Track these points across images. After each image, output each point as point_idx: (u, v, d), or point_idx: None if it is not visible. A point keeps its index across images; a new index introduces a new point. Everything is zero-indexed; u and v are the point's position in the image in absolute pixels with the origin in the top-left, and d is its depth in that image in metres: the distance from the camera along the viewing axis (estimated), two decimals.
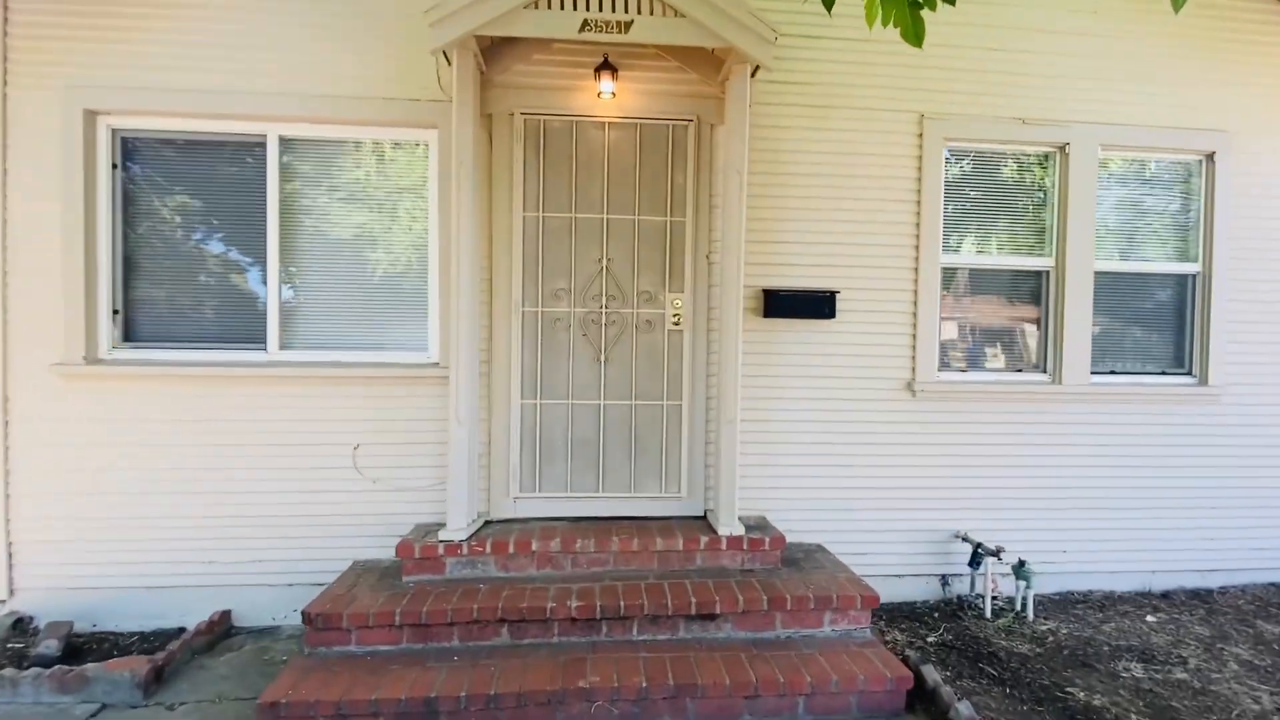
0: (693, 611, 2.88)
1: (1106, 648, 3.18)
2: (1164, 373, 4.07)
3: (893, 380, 3.77)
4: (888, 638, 3.27)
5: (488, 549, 3.12)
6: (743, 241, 3.24)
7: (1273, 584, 4.04)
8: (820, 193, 3.71)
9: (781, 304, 3.59)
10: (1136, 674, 2.92)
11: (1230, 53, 3.96)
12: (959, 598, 3.77)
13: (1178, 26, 3.89)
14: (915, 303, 3.76)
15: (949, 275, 3.87)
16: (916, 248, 3.76)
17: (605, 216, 3.55)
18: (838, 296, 3.68)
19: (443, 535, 3.14)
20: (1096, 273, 3.92)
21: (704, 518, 3.57)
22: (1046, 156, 3.94)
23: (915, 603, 3.73)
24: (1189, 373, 4.06)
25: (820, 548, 3.64)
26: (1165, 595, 3.88)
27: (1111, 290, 3.99)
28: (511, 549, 3.13)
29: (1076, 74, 3.87)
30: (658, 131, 3.57)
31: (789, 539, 3.62)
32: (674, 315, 3.58)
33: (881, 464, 3.77)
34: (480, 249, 3.40)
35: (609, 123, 3.55)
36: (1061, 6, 3.84)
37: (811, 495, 3.72)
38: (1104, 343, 4.00)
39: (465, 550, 3.10)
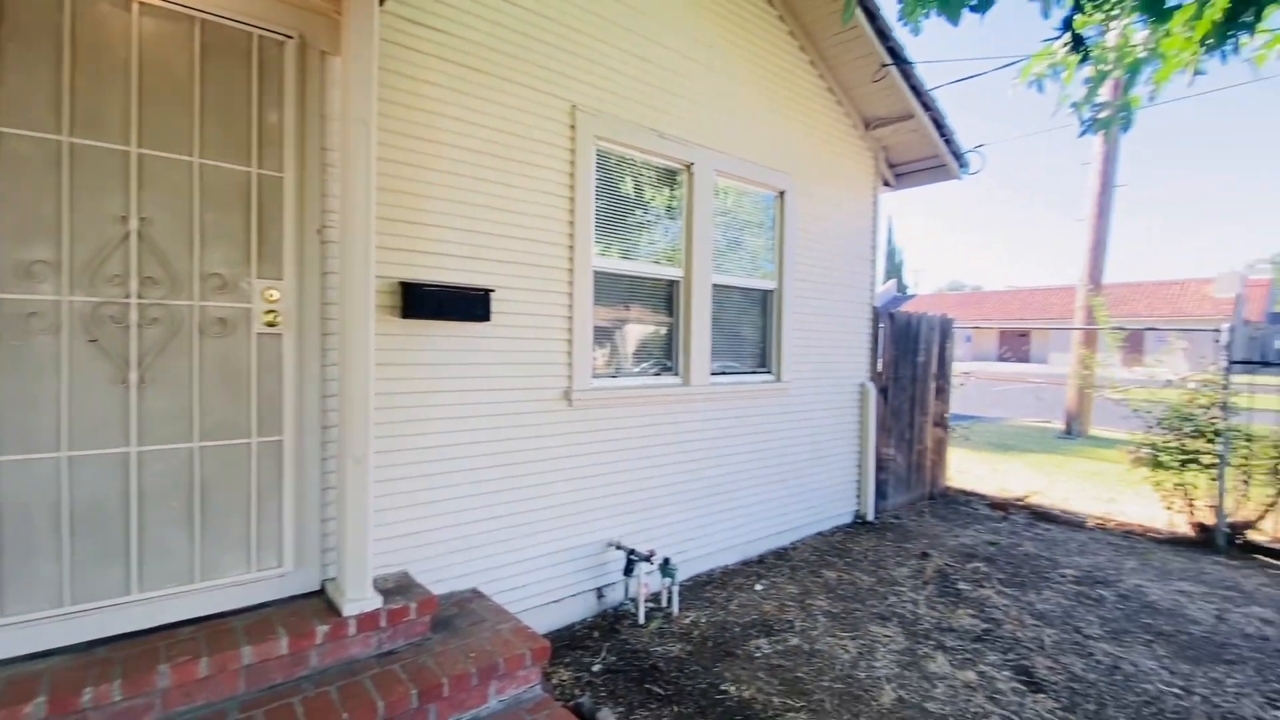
0: None
1: (738, 628, 3.47)
2: (754, 371, 4.81)
3: (552, 389, 3.44)
4: (555, 679, 2.91)
5: None
6: (372, 217, 2.42)
7: (819, 533, 5.20)
8: (474, 171, 3.11)
9: (427, 302, 2.86)
10: (765, 650, 3.23)
11: (798, 116, 4.89)
12: (614, 608, 3.69)
13: (766, 86, 4.61)
14: (571, 306, 3.51)
15: (599, 280, 3.74)
16: (571, 248, 3.51)
17: (134, 150, 2.23)
18: (493, 296, 3.15)
19: None
20: (714, 285, 4.36)
21: (322, 593, 2.60)
22: (677, 173, 4.18)
23: (575, 625, 3.49)
24: (769, 371, 4.89)
25: (476, 593, 3.06)
26: (761, 560, 4.57)
27: (722, 301, 4.50)
28: None
29: (702, 101, 4.20)
30: (234, 40, 2.42)
31: (441, 590, 2.95)
32: (268, 312, 2.49)
33: (540, 482, 3.40)
34: None
35: (142, 1, 2.24)
36: (691, 36, 4.11)
37: (466, 530, 3.11)
38: (717, 346, 4.48)
39: None
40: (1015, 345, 39.81)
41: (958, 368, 7.39)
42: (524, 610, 3.27)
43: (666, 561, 3.68)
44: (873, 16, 4.61)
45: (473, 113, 3.10)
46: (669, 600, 3.68)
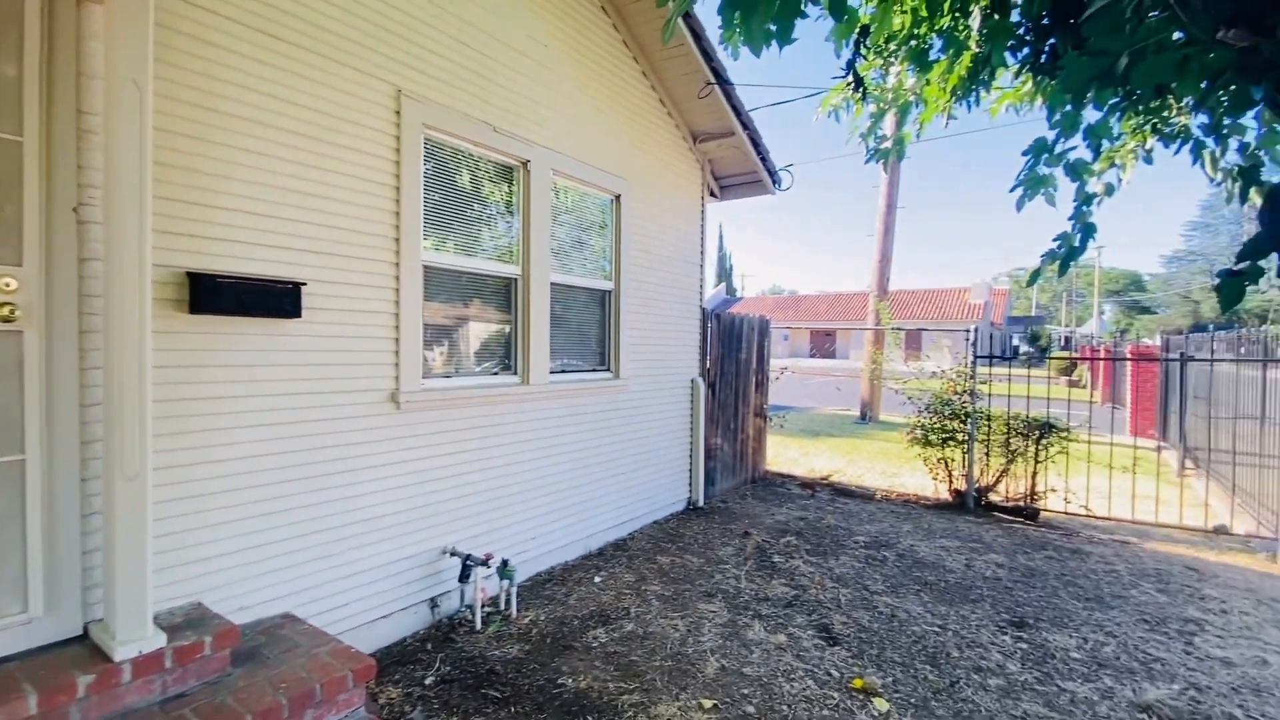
0: None
1: (576, 621, 3.55)
2: (595, 369, 4.93)
3: (376, 392, 3.23)
4: (384, 698, 2.75)
5: None
6: (148, 196, 2.09)
7: (655, 521, 5.47)
8: (288, 153, 2.81)
9: (223, 295, 2.54)
10: (602, 639, 3.34)
11: (633, 124, 5.08)
12: (450, 617, 3.57)
13: (603, 91, 4.73)
14: (398, 302, 3.32)
15: (431, 276, 3.58)
16: (398, 240, 3.32)
17: None
18: (306, 290, 2.88)
19: None
20: (552, 284, 4.38)
21: (86, 637, 2.20)
22: (514, 169, 4.13)
23: (407, 639, 3.32)
24: (608, 369, 5.04)
25: (290, 617, 2.78)
26: (600, 553, 4.70)
27: (562, 299, 4.54)
28: None
29: (539, 99, 4.20)
30: None
31: (246, 619, 2.64)
32: (2, 305, 2.05)
33: (363, 491, 3.18)
34: None
35: None
36: (525, 31, 4.08)
37: (276, 550, 2.81)
38: (557, 345, 4.52)
39: None
40: (824, 343, 44.85)
41: (776, 363, 8.15)
42: (348, 630, 3.04)
43: (505, 563, 3.64)
44: (698, 36, 4.94)
45: (285, 89, 2.80)
46: (508, 602, 3.65)
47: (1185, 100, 2.97)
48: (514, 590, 3.65)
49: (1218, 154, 2.96)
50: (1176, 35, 1.53)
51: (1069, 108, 2.65)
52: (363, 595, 3.16)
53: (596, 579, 4.18)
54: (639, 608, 3.74)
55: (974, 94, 3.28)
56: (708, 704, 2.75)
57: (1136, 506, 6.10)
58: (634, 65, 5.10)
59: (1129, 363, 12.14)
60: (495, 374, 4.06)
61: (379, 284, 3.23)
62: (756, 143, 5.88)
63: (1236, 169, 2.74)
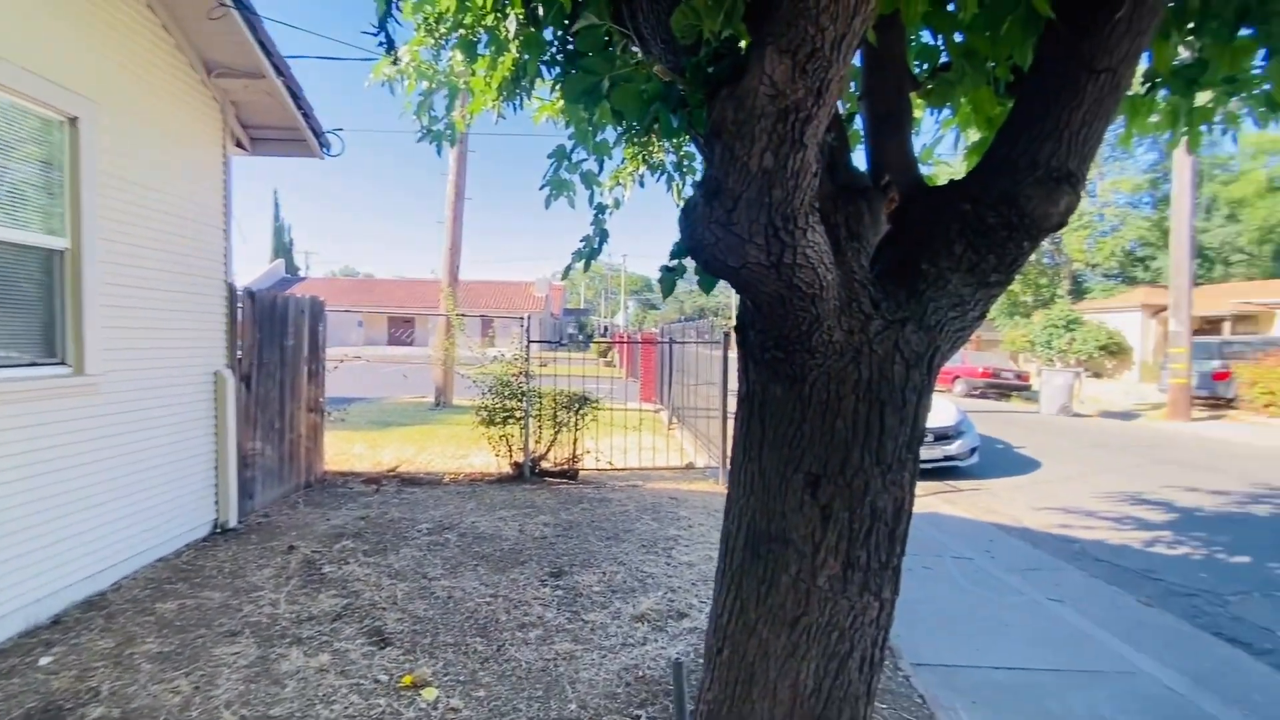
0: None
1: None
2: (35, 363, 3.46)
3: None
4: None
5: None
6: None
7: (161, 559, 4.23)
8: None
9: None
10: None
11: (105, 30, 3.68)
12: None
13: None
14: None
15: None
16: None
17: None
18: None
19: None
20: None
21: None
22: None
23: None
24: (63, 362, 3.61)
25: None
26: (57, 621, 3.36)
27: None
28: None
29: None
30: None
31: None
32: None
33: None
34: None
35: None
36: None
37: None
38: None
39: None
40: (403, 330, 43.48)
41: (341, 352, 7.38)
42: None
43: None
44: None
45: None
46: None
47: (663, 142, 3.80)
48: None
49: (681, 185, 3.88)
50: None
51: (588, 126, 3.03)
52: None
53: (44, 660, 2.96)
54: (118, 682, 2.79)
55: (519, 98, 3.46)
56: None
57: (643, 457, 7.78)
58: None
59: (640, 346, 15.53)
60: None
61: None
62: (296, 94, 5.08)
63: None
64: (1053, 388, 15.77)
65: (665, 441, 8.87)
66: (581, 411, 6.96)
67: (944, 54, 2.29)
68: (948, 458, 8.17)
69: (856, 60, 2.12)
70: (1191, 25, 2.01)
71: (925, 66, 2.39)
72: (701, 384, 8.31)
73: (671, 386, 11.10)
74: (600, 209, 3.32)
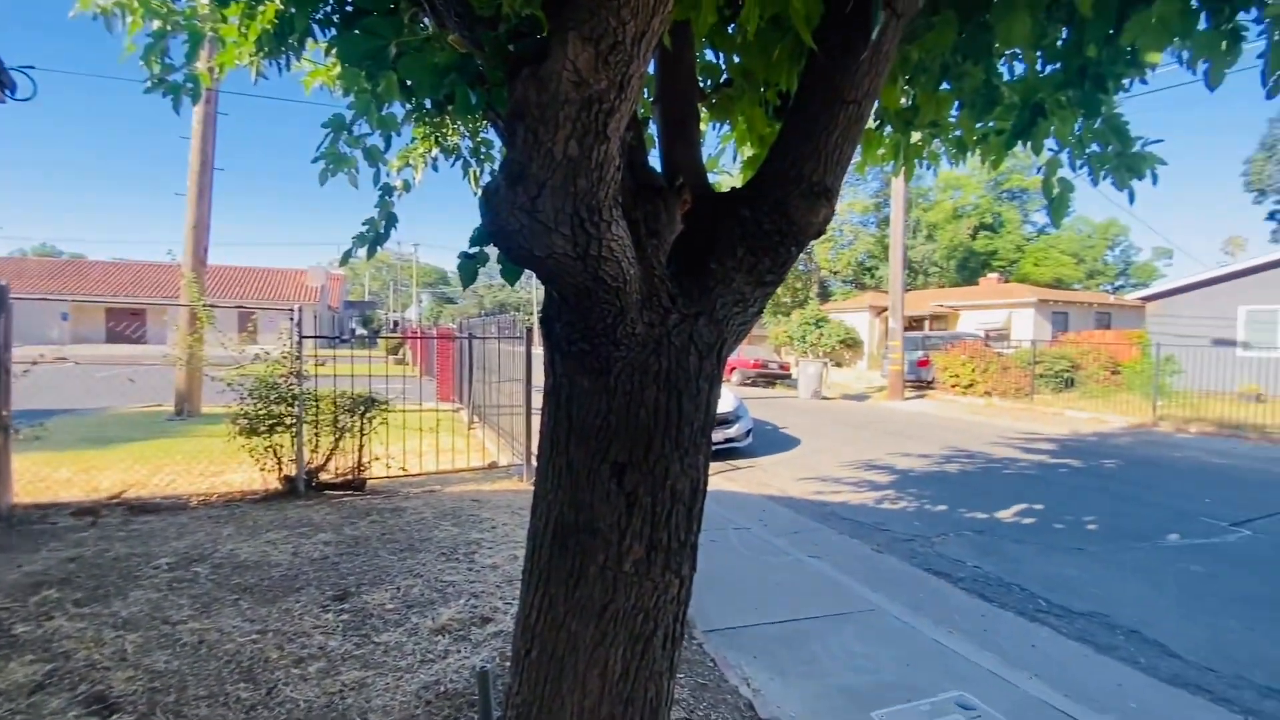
0: None
1: None
2: None
3: None
4: None
5: None
6: None
7: None
8: None
9: None
10: None
11: None
12: None
13: None
14: None
15: None
16: None
17: None
18: None
19: None
20: None
21: None
22: None
23: None
24: None
25: None
26: None
27: None
28: None
29: None
30: None
31: None
32: None
33: None
34: None
35: None
36: None
37: None
38: None
39: None
40: (129, 324, 35.57)
41: (48, 351, 5.79)
42: None
43: None
44: None
45: None
46: None
47: (458, 125, 3.60)
48: None
49: (479, 173, 3.71)
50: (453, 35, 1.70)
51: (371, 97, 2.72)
52: None
53: None
54: None
55: (285, 56, 2.99)
56: None
57: (441, 459, 7.35)
58: None
59: (436, 342, 14.69)
60: None
61: None
62: None
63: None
64: (807, 376, 18.39)
65: (466, 442, 8.50)
66: (368, 415, 6.35)
67: (725, 73, 2.51)
68: (728, 440, 9.06)
69: (651, 67, 2.23)
70: (909, 75, 2.46)
71: (709, 82, 2.60)
72: (505, 381, 8.12)
73: (472, 384, 10.68)
74: (387, 190, 3.03)
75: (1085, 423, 13.63)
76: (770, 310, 34.53)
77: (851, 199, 39.16)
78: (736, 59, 2.33)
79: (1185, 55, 2.00)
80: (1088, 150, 2.55)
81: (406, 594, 3.79)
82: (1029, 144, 2.43)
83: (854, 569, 4.70)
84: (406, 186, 3.56)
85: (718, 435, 8.85)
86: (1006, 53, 2.43)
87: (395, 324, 52.79)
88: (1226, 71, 2.10)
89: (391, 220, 2.98)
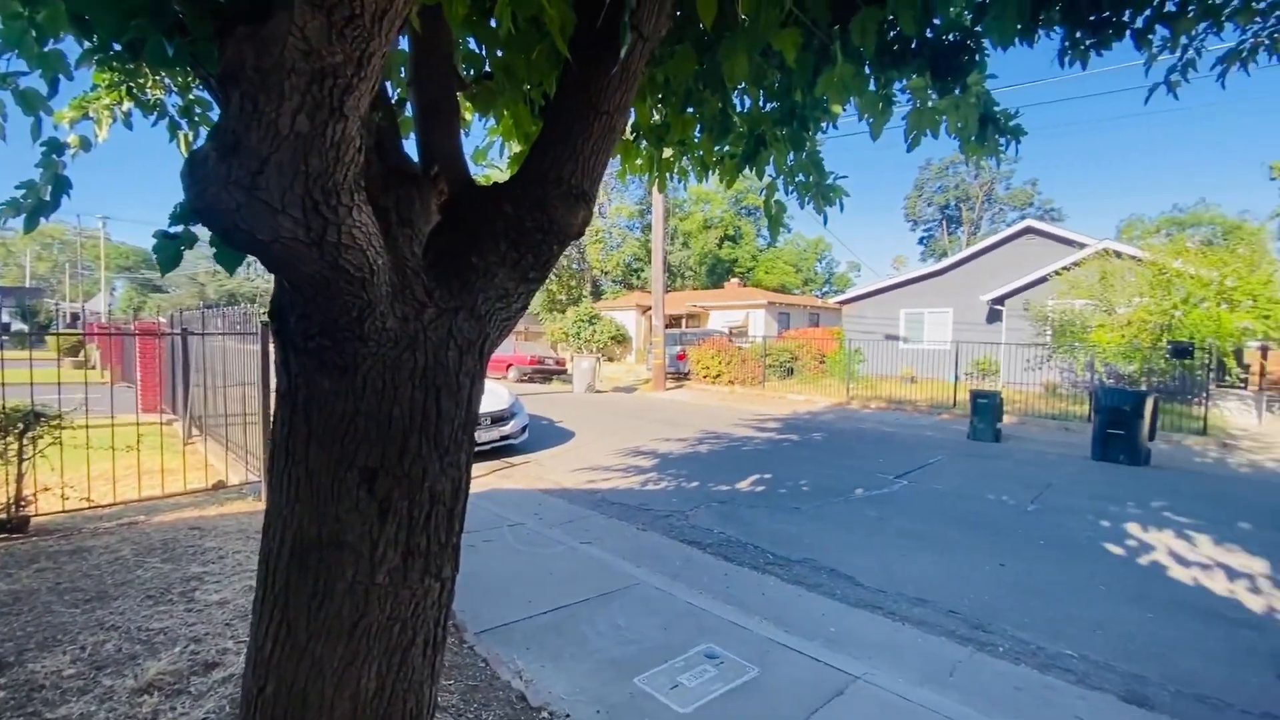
0: None
1: None
2: None
3: None
4: None
5: None
6: None
7: None
8: None
9: None
10: None
11: None
12: None
13: None
14: None
15: None
16: None
17: None
18: None
19: None
20: None
21: None
22: None
23: None
24: None
25: None
26: None
27: None
28: None
29: None
30: None
31: None
32: None
33: None
34: None
35: None
36: None
37: None
38: None
39: None
40: None
41: None
42: None
43: None
44: None
45: None
46: None
47: (161, 77, 2.95)
48: None
49: (192, 137, 3.09)
50: None
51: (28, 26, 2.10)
52: None
53: None
54: None
55: None
56: None
57: (144, 484, 6.00)
58: None
59: (137, 340, 11.92)
60: None
61: None
62: None
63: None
64: (581, 371, 19.03)
65: (183, 460, 7.06)
66: (30, 434, 4.92)
67: (487, 65, 2.48)
68: (504, 438, 8.96)
69: (406, 46, 2.10)
70: (660, 96, 2.70)
71: (471, 71, 2.54)
72: (234, 385, 6.93)
73: (189, 389, 8.89)
74: (54, 147, 2.41)
75: (802, 404, 16.38)
76: (546, 307, 34.94)
77: (619, 204, 41.49)
78: (500, 53, 2.31)
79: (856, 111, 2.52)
80: (796, 179, 3.07)
81: (95, 653, 3.04)
82: (753, 169, 2.85)
83: (621, 549, 5.01)
84: (84, 144, 2.84)
85: (493, 434, 8.70)
86: (738, 88, 2.81)
87: (75, 317, 41.51)
88: (886, 127, 2.70)
89: (61, 186, 2.36)
